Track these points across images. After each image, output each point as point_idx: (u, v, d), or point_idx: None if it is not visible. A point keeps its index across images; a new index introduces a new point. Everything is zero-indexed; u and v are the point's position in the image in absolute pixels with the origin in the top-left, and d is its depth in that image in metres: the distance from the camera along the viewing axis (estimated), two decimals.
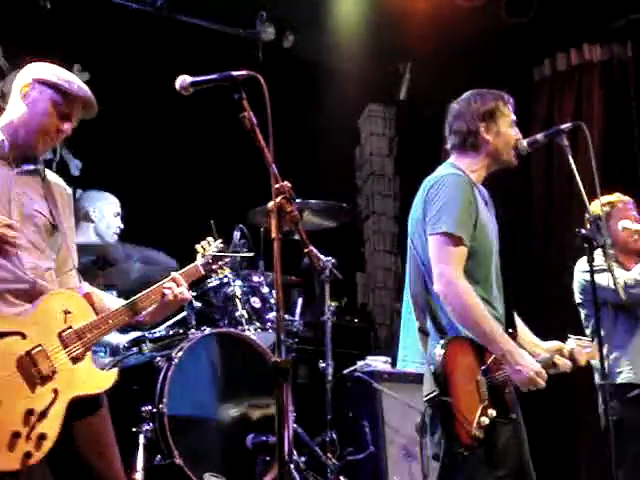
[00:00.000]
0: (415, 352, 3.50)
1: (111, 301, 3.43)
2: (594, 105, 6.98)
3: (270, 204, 3.07)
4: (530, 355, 3.43)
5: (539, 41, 7.08)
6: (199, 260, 3.74)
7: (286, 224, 3.18)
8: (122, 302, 3.36)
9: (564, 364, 3.59)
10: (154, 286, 3.40)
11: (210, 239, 3.87)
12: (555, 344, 3.69)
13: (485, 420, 3.28)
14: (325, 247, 5.72)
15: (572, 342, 3.83)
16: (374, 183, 8.27)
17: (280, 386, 2.92)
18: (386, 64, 7.63)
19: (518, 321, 3.71)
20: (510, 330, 3.51)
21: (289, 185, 3.15)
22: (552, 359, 3.59)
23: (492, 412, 3.31)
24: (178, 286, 3.43)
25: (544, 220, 7.20)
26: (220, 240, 3.91)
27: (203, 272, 3.73)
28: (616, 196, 4.79)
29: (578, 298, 4.69)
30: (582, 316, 4.69)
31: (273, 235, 3.05)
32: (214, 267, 3.81)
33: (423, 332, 3.45)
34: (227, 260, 3.87)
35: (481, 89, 3.74)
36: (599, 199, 4.11)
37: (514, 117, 3.69)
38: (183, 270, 3.59)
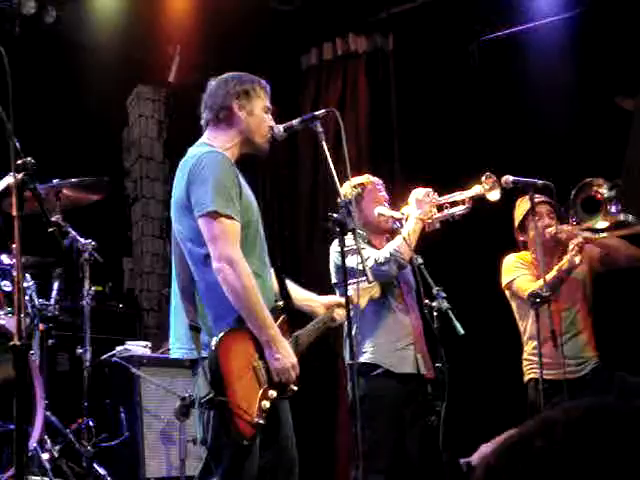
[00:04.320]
0: (186, 341, 3.40)
1: None
2: (359, 94, 7.16)
3: (10, 181, 2.96)
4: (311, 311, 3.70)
5: (307, 29, 7.19)
6: None
7: (29, 202, 3.06)
8: None
9: (342, 316, 3.75)
10: None
11: None
12: (332, 298, 3.86)
13: (266, 404, 3.30)
14: (90, 230, 5.61)
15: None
16: (143, 166, 8.14)
17: (19, 370, 2.81)
18: (155, 45, 7.50)
19: (291, 285, 3.79)
20: (282, 302, 3.56)
21: (32, 161, 3.04)
22: (332, 315, 3.75)
23: (273, 393, 3.34)
24: None
25: (310, 203, 7.31)
26: None
27: None
28: (365, 177, 4.89)
29: (334, 279, 4.78)
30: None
31: (13, 213, 2.93)
32: None
33: (194, 329, 3.35)
34: None
35: (240, 72, 3.76)
36: (349, 182, 4.23)
37: (268, 104, 3.71)
38: None
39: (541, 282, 4.68)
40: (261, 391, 3.31)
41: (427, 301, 4.29)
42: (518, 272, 5.01)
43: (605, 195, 4.69)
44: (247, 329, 3.34)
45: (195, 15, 7.08)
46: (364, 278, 3.88)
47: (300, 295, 3.80)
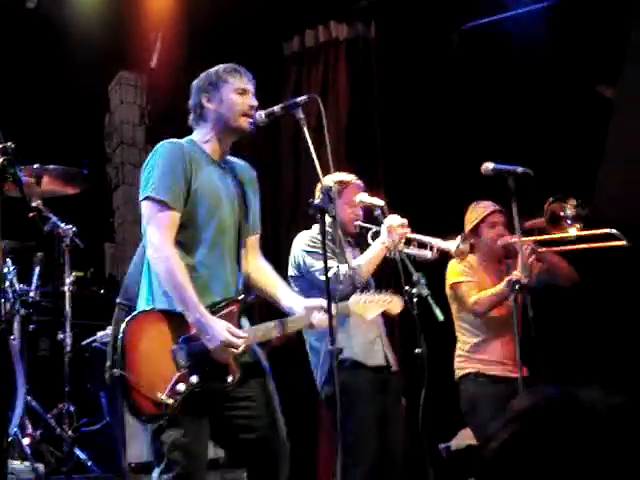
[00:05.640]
0: None
1: None
2: (340, 82, 7.16)
3: None
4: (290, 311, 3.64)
5: (288, 16, 7.18)
6: None
7: (9, 186, 3.08)
8: None
9: (322, 322, 3.62)
10: None
11: None
12: (315, 301, 3.70)
13: (181, 387, 3.33)
14: (71, 216, 5.59)
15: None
16: (124, 152, 8.12)
17: None
18: (137, 31, 7.47)
19: (275, 280, 3.81)
20: (232, 297, 3.57)
21: (12, 146, 3.05)
22: (309, 318, 3.64)
23: (193, 379, 3.36)
24: None
25: (292, 190, 7.31)
26: None
27: None
28: (351, 177, 4.87)
29: (291, 271, 4.71)
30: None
31: None
32: None
33: (120, 307, 3.54)
34: None
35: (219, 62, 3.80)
36: (331, 172, 4.21)
37: (246, 86, 3.72)
38: None
39: (488, 291, 4.96)
40: (178, 374, 3.34)
41: (407, 287, 4.27)
42: (465, 277, 5.12)
43: (567, 212, 4.84)
44: (175, 312, 3.40)
45: (177, 1, 7.07)
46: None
47: (281, 292, 3.78)
